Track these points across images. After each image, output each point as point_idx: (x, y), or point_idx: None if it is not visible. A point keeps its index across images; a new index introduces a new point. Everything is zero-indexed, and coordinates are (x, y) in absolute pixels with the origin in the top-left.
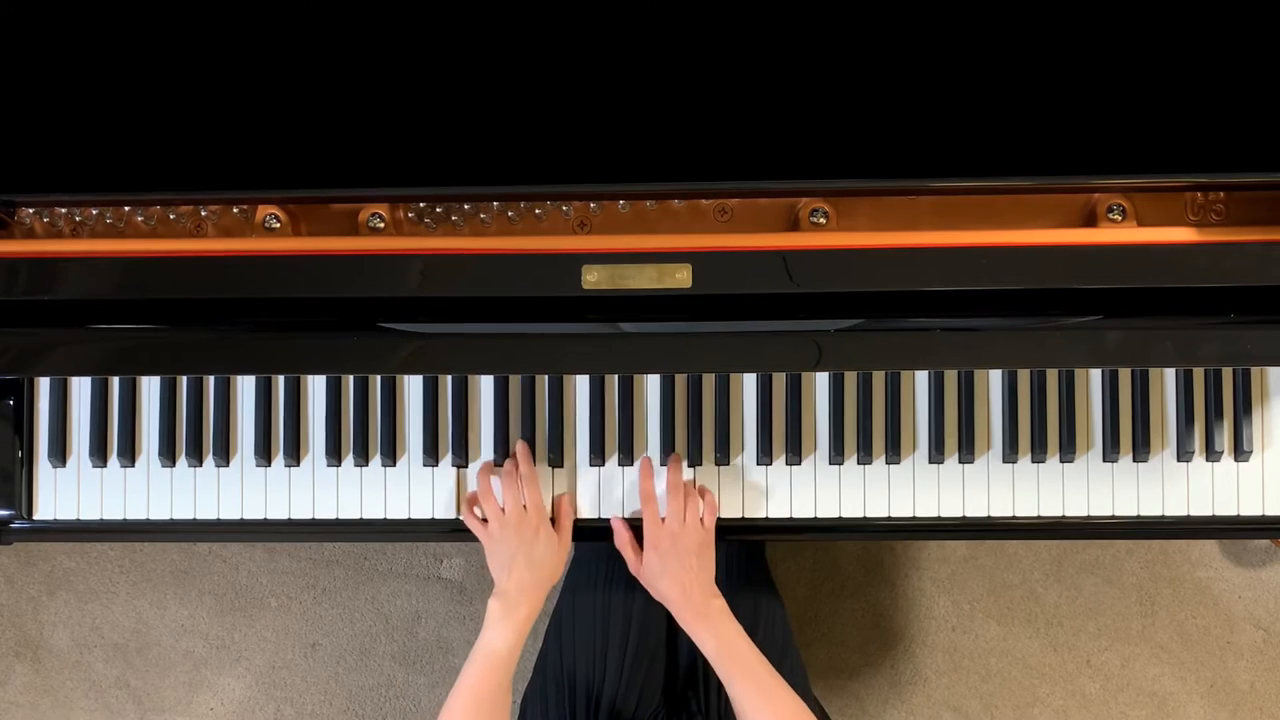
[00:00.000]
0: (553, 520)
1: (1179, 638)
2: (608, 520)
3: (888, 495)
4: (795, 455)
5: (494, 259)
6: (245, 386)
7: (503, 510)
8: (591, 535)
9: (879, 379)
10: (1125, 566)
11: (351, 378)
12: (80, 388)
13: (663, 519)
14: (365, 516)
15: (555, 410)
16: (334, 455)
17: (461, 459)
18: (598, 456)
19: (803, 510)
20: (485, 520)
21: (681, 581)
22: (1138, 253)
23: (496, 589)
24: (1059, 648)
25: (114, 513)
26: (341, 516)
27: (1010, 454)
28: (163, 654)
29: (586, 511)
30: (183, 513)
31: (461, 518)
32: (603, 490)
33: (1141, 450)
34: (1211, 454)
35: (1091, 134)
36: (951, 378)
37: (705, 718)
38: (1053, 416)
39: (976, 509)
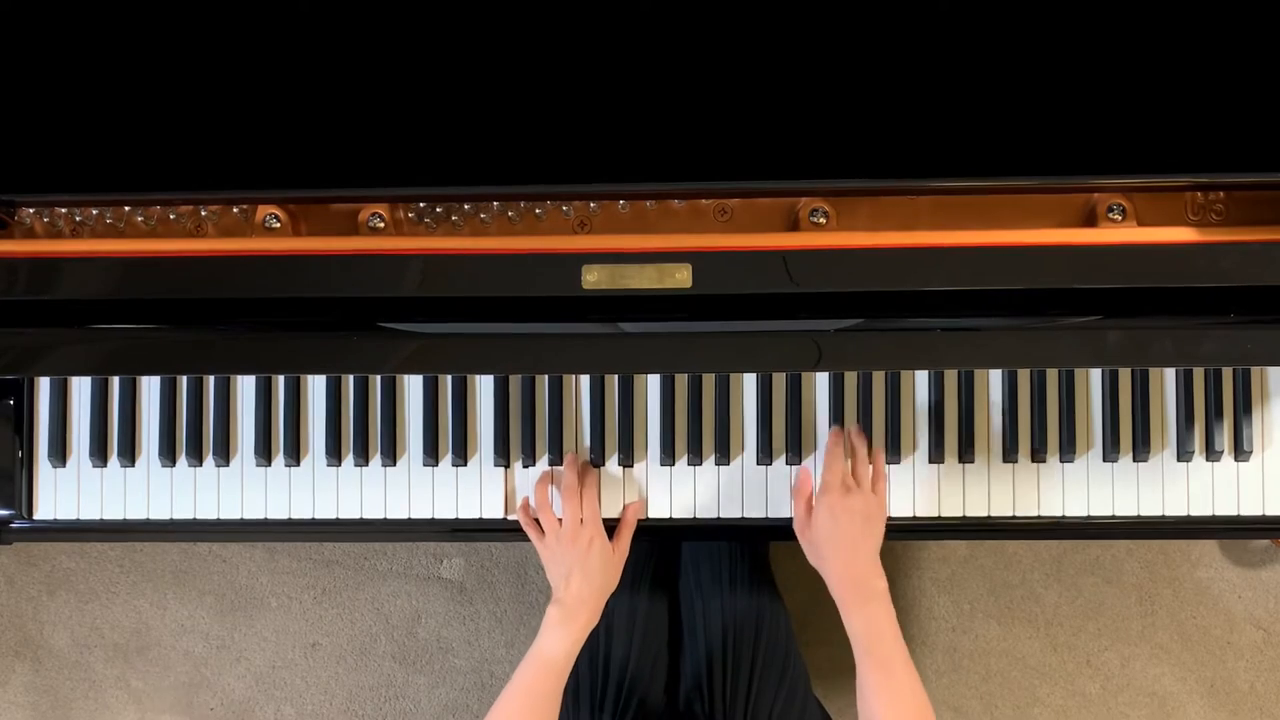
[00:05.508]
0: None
1: (1179, 638)
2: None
3: (888, 495)
4: (795, 455)
5: (494, 259)
6: (245, 386)
7: (559, 522)
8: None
9: (879, 379)
10: (1125, 566)
11: (351, 378)
12: (80, 388)
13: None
14: (365, 516)
15: (555, 410)
16: (334, 455)
17: (461, 459)
18: (597, 456)
19: None
20: (541, 528)
21: (846, 548)
22: (1138, 253)
23: (555, 596)
24: (1059, 648)
25: (114, 513)
26: (341, 516)
27: (1010, 454)
28: (163, 654)
29: None
30: (183, 513)
31: (516, 518)
32: (604, 489)
33: (1141, 450)
34: (1212, 454)
35: (1091, 134)
36: (951, 378)
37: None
38: (1053, 416)
39: (976, 509)
